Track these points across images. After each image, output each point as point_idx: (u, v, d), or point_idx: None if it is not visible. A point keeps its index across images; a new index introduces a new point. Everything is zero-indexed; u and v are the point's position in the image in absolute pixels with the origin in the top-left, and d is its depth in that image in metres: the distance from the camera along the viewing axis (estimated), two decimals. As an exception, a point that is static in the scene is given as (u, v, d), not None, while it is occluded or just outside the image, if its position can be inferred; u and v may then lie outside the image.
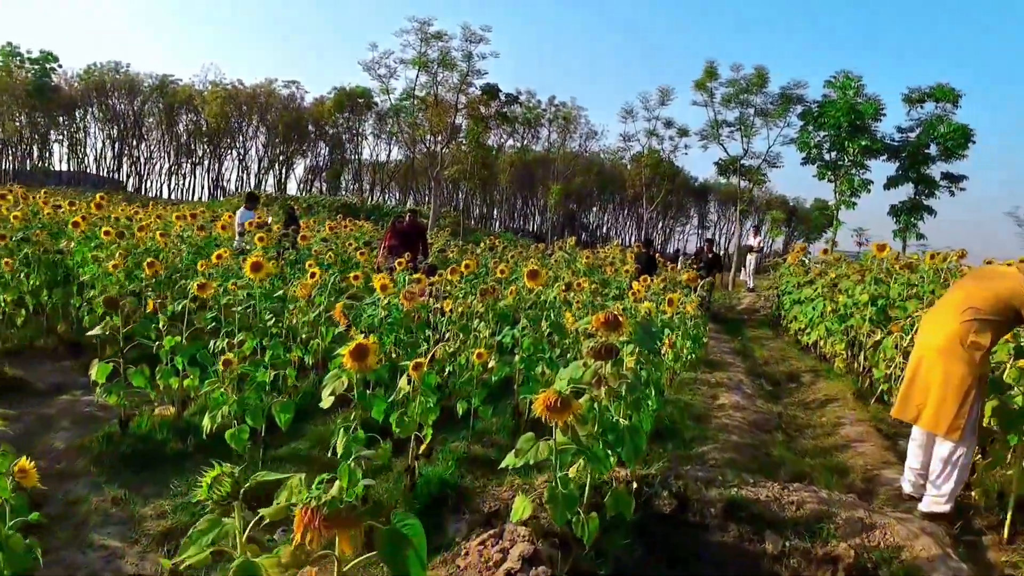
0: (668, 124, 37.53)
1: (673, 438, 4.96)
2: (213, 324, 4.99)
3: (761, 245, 24.50)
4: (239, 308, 4.95)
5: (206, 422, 3.64)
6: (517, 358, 4.68)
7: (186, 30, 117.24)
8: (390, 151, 63.09)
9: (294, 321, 5.97)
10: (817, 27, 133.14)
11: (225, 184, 62.78)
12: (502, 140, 46.65)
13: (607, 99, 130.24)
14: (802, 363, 9.45)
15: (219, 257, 6.74)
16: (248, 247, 9.69)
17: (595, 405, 2.81)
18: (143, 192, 58.08)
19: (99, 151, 61.76)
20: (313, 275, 5.63)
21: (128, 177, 62.08)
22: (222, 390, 3.69)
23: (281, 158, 62.55)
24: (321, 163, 63.94)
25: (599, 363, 2.79)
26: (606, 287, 11.33)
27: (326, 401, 3.19)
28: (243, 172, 62.87)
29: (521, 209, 69.68)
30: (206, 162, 63.36)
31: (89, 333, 4.36)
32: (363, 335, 4.93)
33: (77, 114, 58.84)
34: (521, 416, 5.07)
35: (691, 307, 6.35)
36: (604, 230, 72.52)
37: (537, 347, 4.69)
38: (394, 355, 4.77)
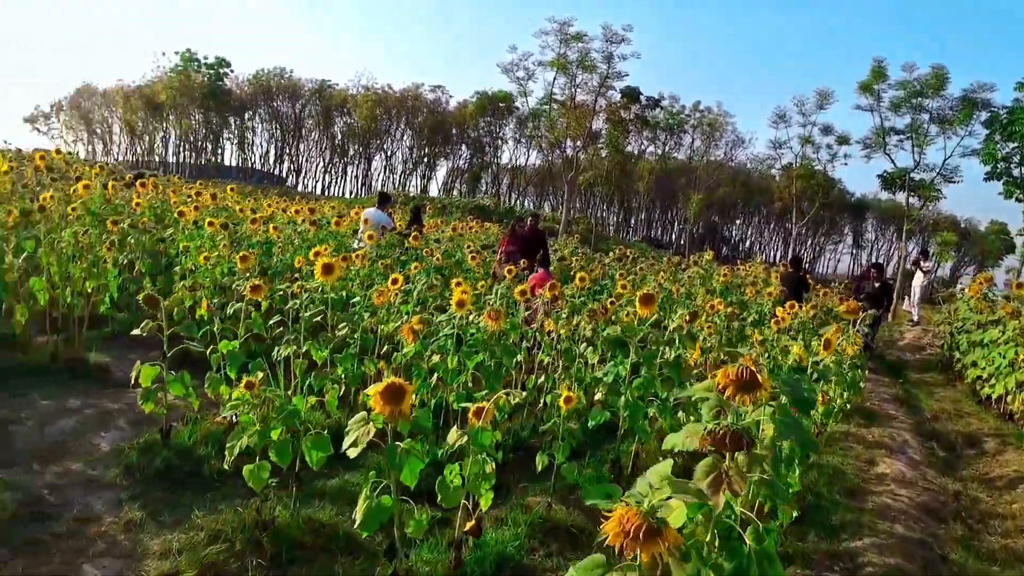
0: (826, 130, 34.53)
1: (816, 522, 3.82)
2: (279, 330, 4.47)
3: (928, 270, 21.58)
4: (307, 314, 4.39)
5: (227, 453, 3.04)
6: (622, 400, 3.75)
7: (343, 38, 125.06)
8: (528, 155, 63.30)
9: (382, 331, 5.39)
10: (1008, 21, 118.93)
11: (373, 183, 65.63)
12: (642, 146, 45.19)
13: (757, 105, 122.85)
14: (983, 423, 7.72)
15: (316, 254, 6.34)
16: (359, 245, 9.39)
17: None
18: (300, 188, 61.84)
19: (264, 149, 66.64)
20: (395, 281, 4.99)
21: (288, 174, 66.43)
22: (249, 415, 3.08)
23: (425, 160, 64.52)
24: (462, 165, 65.28)
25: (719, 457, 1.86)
26: (744, 311, 10.02)
27: (351, 451, 2.46)
28: (390, 172, 65.49)
29: (659, 219, 67.48)
30: (356, 161, 66.57)
31: (133, 332, 3.93)
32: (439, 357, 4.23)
33: (246, 115, 63.73)
34: (622, 471, 4.14)
35: (852, 349, 5.11)
36: (747, 245, 68.79)
37: (648, 387, 3.73)
38: (471, 384, 4.00)
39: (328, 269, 4.22)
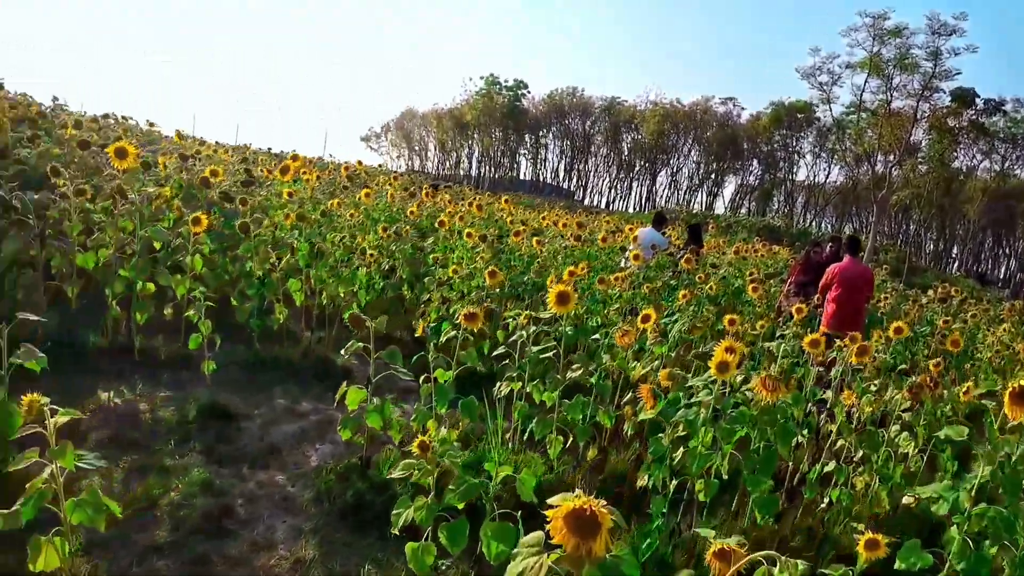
0: None
1: None
2: (505, 363, 3.86)
3: None
4: (534, 349, 3.70)
5: (392, 520, 2.44)
6: (956, 539, 2.41)
7: (633, 56, 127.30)
8: (828, 171, 57.21)
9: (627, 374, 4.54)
10: None
11: (657, 199, 64.89)
12: (974, 161, 37.84)
13: None
14: None
15: (571, 274, 5.76)
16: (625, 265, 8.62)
17: None
18: (586, 202, 63.51)
19: (555, 164, 69.84)
20: (647, 318, 4.09)
21: (576, 188, 68.71)
22: (425, 479, 2.44)
23: (712, 176, 62.11)
24: (752, 182, 61.55)
25: None
26: None
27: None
28: (674, 188, 64.22)
29: (991, 250, 56.26)
30: (641, 177, 66.47)
31: (343, 351, 3.58)
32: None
33: (540, 132, 67.37)
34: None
35: None
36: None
37: (1005, 529, 2.34)
38: (727, 474, 2.95)
39: (563, 299, 3.50)
